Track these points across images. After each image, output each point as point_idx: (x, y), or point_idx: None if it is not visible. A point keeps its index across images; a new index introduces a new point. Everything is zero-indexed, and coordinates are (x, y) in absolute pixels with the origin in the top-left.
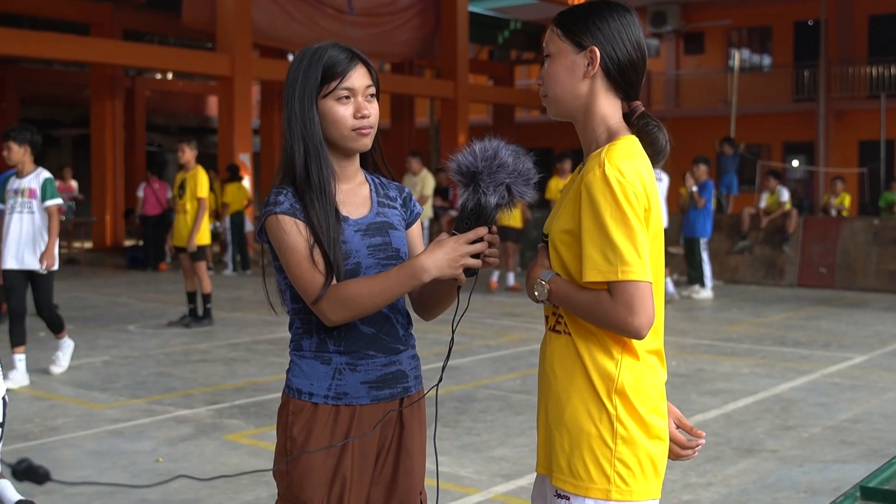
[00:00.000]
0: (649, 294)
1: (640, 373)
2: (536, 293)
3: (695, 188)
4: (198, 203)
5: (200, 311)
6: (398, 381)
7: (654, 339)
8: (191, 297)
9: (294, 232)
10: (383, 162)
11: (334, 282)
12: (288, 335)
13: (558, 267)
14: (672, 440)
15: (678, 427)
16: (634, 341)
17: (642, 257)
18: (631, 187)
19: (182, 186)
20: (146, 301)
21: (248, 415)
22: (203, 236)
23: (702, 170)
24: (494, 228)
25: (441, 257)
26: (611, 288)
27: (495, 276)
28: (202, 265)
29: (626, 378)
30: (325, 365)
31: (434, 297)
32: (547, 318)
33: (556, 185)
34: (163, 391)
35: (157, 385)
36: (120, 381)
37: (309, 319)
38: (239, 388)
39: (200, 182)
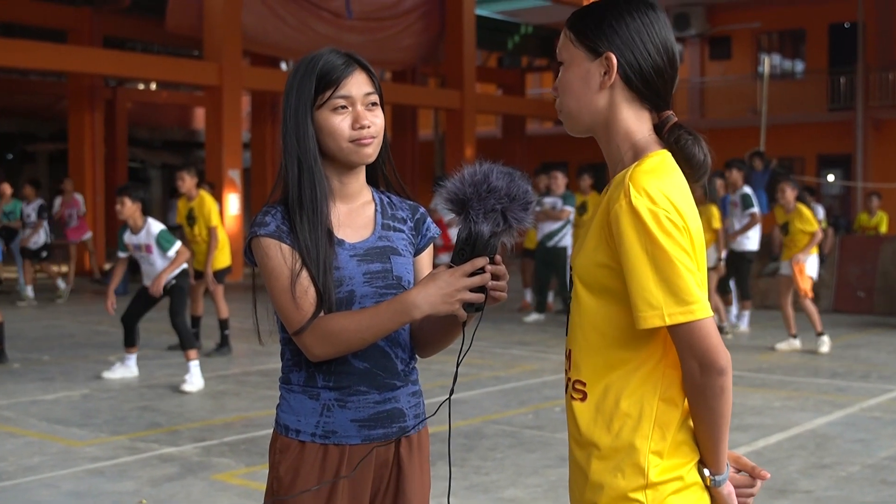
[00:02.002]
0: (712, 329)
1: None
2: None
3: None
4: (209, 232)
5: (218, 338)
6: (393, 420)
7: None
8: (195, 321)
9: (277, 257)
10: (395, 177)
11: (323, 313)
12: (280, 366)
13: (588, 308)
14: (735, 485)
15: (738, 471)
16: (662, 408)
17: (693, 292)
18: (664, 213)
19: (191, 216)
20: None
21: (239, 452)
22: (222, 259)
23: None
24: (499, 259)
25: (434, 292)
26: (673, 333)
27: (528, 295)
28: (220, 289)
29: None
30: (314, 400)
31: (434, 333)
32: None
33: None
34: (146, 427)
35: (141, 420)
36: (100, 416)
37: (300, 350)
38: (228, 424)
39: (210, 210)
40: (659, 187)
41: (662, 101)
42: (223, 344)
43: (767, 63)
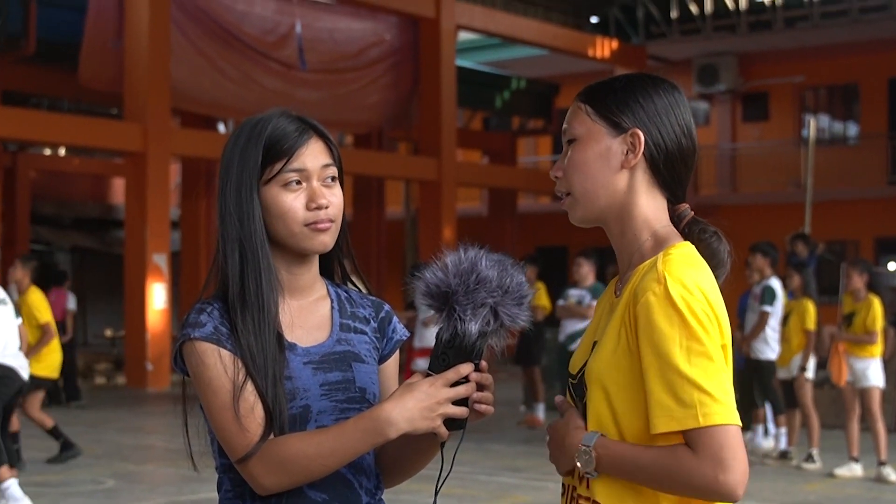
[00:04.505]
0: (741, 440)
1: None
2: (580, 464)
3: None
4: (42, 330)
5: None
6: None
7: None
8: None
9: (216, 366)
10: (355, 268)
11: (272, 435)
12: (216, 497)
13: (605, 421)
14: None
15: None
16: None
17: (727, 394)
18: (702, 306)
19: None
20: (28, 449)
21: None
22: (46, 366)
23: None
24: (484, 365)
25: (412, 406)
26: (690, 438)
27: (540, 412)
28: (33, 401)
29: None
30: None
31: (404, 456)
32: (567, 489)
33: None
34: None
35: None
36: None
37: (243, 480)
38: None
39: (34, 306)
40: (695, 279)
41: (681, 189)
42: (65, 448)
43: (813, 125)
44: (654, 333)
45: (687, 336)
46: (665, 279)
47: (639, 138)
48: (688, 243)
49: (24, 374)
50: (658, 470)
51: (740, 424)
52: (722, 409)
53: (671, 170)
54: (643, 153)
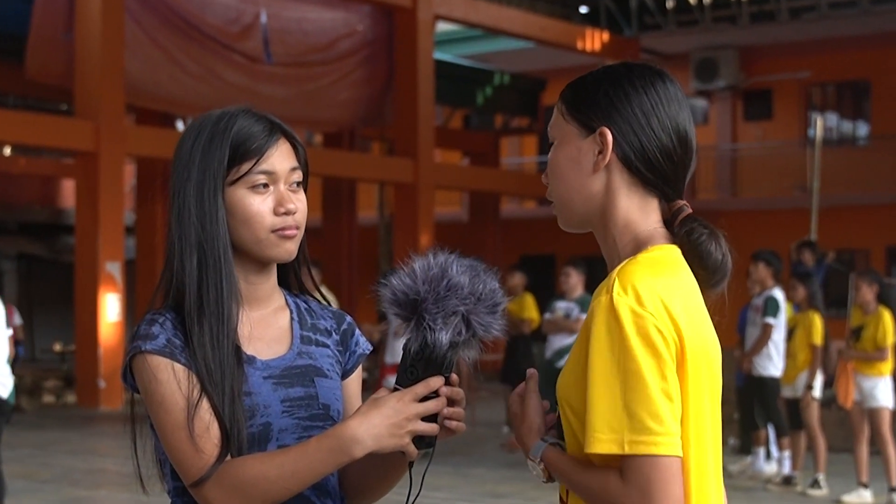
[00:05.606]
0: (676, 474)
1: None
2: (534, 473)
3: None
4: None
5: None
6: None
7: None
8: None
9: (169, 381)
10: (311, 278)
11: (230, 456)
12: None
13: (570, 436)
14: None
15: None
16: None
17: (665, 422)
18: (650, 320)
19: None
20: None
21: None
22: None
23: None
24: (455, 378)
25: (379, 423)
26: (622, 464)
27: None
28: None
29: None
30: None
31: (371, 476)
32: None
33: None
34: None
35: None
36: None
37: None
38: None
39: None
40: (653, 286)
41: (672, 189)
42: None
43: (820, 125)
44: (592, 345)
45: (623, 353)
46: (613, 286)
47: (606, 138)
48: (670, 247)
49: (5, 391)
50: (590, 491)
51: (679, 455)
52: (653, 438)
53: (652, 169)
54: (615, 153)
